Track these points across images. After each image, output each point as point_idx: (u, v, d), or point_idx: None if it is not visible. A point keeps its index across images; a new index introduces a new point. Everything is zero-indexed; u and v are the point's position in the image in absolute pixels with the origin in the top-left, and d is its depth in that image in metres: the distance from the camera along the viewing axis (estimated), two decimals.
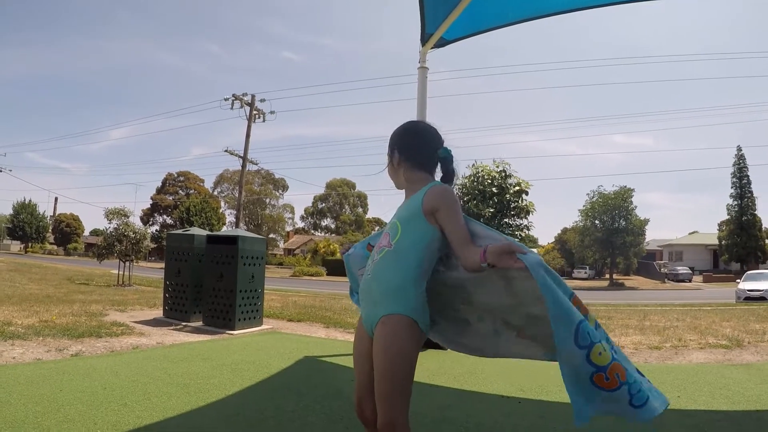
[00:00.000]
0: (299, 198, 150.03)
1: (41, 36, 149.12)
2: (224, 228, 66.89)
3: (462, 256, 2.22)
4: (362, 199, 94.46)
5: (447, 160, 2.49)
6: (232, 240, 8.92)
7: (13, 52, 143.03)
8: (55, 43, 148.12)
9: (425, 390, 5.11)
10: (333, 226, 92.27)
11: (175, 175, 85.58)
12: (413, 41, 6.90)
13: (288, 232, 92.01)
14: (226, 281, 8.75)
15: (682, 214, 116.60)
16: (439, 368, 6.17)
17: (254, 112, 37.32)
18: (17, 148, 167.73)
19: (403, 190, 2.57)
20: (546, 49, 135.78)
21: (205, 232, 9.90)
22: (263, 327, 9.18)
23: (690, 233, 77.44)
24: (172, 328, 8.84)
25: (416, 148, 2.52)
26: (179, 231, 10.38)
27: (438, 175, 2.52)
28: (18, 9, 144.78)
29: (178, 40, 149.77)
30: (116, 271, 21.91)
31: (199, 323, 9.11)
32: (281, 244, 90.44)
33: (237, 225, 38.12)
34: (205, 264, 9.25)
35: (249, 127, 37.18)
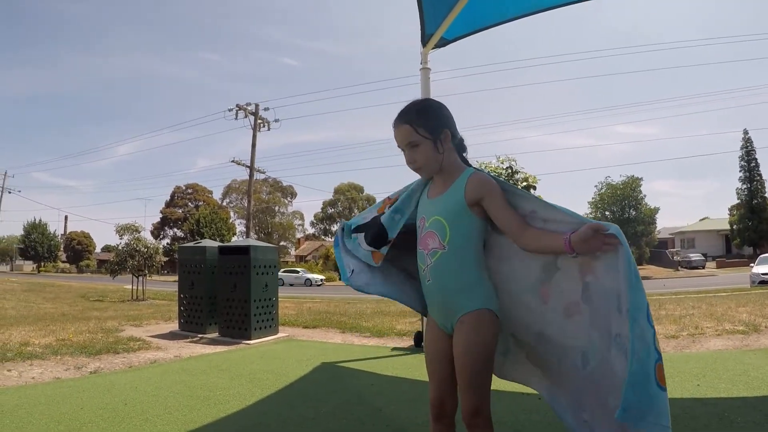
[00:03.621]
0: (308, 204, 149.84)
1: (42, 55, 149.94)
2: (234, 238, 66.97)
3: (523, 242, 2.21)
4: (371, 202, 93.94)
5: (462, 144, 2.42)
6: (244, 250, 8.95)
7: (16, 72, 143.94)
8: (56, 62, 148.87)
9: None
10: None
11: (184, 188, 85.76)
12: (414, 41, 6.88)
13: (299, 239, 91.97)
14: (240, 291, 8.77)
15: (692, 200, 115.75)
16: None
17: (259, 120, 37.36)
18: (25, 168, 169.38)
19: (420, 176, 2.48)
20: (546, 43, 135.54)
21: (216, 244, 9.95)
22: (279, 335, 9.19)
23: (701, 219, 77.00)
24: (188, 340, 8.88)
25: (455, 128, 2.39)
26: (191, 244, 10.43)
27: None
28: (18, 29, 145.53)
29: (179, 52, 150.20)
30: (130, 287, 22.01)
31: (215, 334, 9.13)
32: (292, 251, 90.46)
33: (247, 234, 38.15)
34: (218, 275, 9.30)
35: (254, 136, 37.23)
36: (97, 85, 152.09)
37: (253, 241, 9.30)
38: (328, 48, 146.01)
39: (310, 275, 49.22)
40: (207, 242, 10.17)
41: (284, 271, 48.59)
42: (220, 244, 9.92)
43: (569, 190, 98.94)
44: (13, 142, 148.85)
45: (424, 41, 6.74)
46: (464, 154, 2.43)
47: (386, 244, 2.57)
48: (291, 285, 44.90)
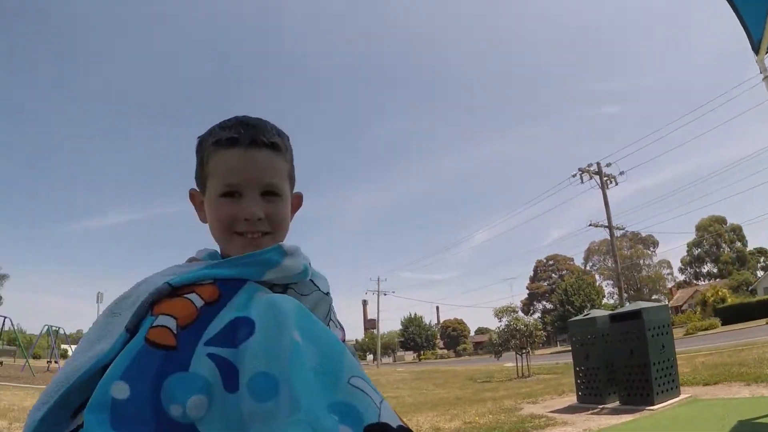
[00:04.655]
0: (673, 251, 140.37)
1: (381, 173, 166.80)
2: (604, 300, 65.95)
3: None
4: (737, 231, 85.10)
5: None
6: (635, 314, 8.94)
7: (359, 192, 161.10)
8: (395, 173, 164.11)
9: None
10: (715, 270, 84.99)
11: (545, 261, 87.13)
12: (732, 49, 6.51)
13: (670, 289, 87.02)
14: (637, 356, 8.68)
15: None
16: None
17: (604, 178, 36.75)
18: (394, 271, 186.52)
19: None
20: None
21: (606, 312, 10.16)
22: (681, 396, 8.85)
23: None
24: (590, 412, 8.93)
25: None
26: (580, 317, 10.71)
27: None
28: (356, 160, 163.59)
29: (507, 133, 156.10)
30: (511, 365, 22.74)
31: (616, 403, 9.09)
32: (666, 303, 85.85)
33: (620, 295, 37.25)
34: (612, 343, 9.36)
35: (605, 195, 36.61)
36: (440, 183, 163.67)
37: (643, 304, 9.29)
38: (642, 83, 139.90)
39: None
40: (596, 312, 10.44)
41: None
42: (610, 312, 10.04)
43: None
44: (380, 251, 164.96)
45: (756, 48, 6.36)
46: None
47: None
48: None
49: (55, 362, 35.00)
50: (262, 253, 1.11)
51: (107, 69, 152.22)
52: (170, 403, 0.88)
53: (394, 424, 0.91)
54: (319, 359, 0.93)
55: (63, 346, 48.27)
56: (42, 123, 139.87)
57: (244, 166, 1.14)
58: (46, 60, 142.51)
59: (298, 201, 1.33)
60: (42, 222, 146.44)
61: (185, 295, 1.02)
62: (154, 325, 0.96)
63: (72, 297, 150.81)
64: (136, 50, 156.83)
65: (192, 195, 1.28)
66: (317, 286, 1.22)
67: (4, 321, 33.18)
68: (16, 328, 36.11)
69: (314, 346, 0.95)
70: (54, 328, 36.80)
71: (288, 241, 1.21)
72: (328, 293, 1.25)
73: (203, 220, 1.26)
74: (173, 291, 1.03)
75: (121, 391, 0.87)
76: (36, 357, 47.19)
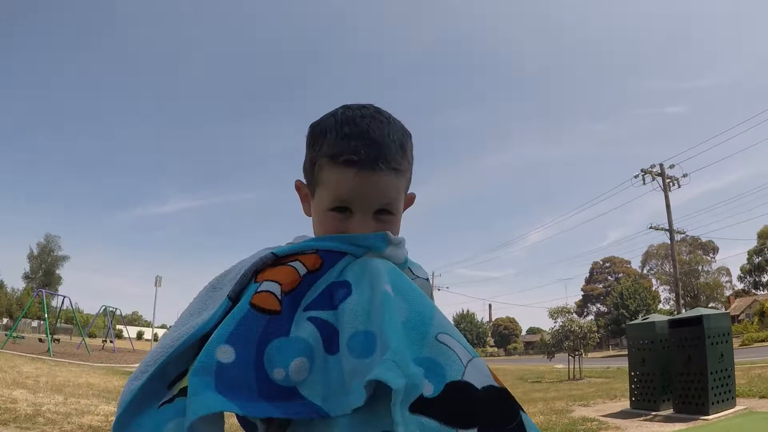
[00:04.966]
0: (732, 258, 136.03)
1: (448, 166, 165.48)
2: (660, 306, 64.74)
3: None
4: None
5: None
6: (696, 321, 8.84)
7: (420, 183, 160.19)
8: (454, 170, 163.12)
9: None
10: None
11: (601, 263, 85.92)
12: None
13: (728, 297, 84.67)
14: (695, 364, 8.59)
15: None
16: None
17: (667, 180, 35.81)
18: (449, 267, 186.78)
19: None
20: None
21: (665, 317, 10.06)
22: (737, 408, 8.72)
23: None
24: (642, 419, 8.86)
25: None
26: (638, 320, 10.62)
27: None
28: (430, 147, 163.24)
29: (564, 132, 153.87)
30: (561, 366, 22.51)
31: (669, 411, 9.00)
32: (727, 311, 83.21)
33: (677, 302, 36.39)
34: (669, 349, 9.24)
35: (666, 198, 35.58)
36: (498, 181, 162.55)
37: (704, 310, 9.18)
38: (708, 83, 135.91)
39: None
40: (655, 317, 10.34)
41: None
42: (669, 317, 9.92)
43: None
44: (436, 246, 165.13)
45: None
46: None
47: None
48: None
49: (111, 341, 35.97)
50: (367, 237, 1.09)
51: (174, 62, 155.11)
52: (273, 367, 0.91)
53: (480, 384, 0.92)
54: (408, 314, 0.96)
55: (118, 327, 49.57)
56: (107, 115, 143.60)
57: (360, 189, 1.08)
58: (109, 59, 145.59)
59: (410, 200, 1.27)
60: (103, 207, 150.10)
61: (289, 263, 1.05)
62: (259, 290, 0.98)
63: (130, 280, 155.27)
64: (199, 43, 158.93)
65: (298, 187, 1.26)
66: (416, 275, 1.22)
67: (63, 300, 34.44)
68: (74, 307, 37.27)
69: (405, 302, 0.97)
70: (111, 309, 37.77)
71: None
72: (427, 279, 1.26)
73: (307, 213, 1.24)
74: (277, 260, 1.06)
75: (226, 354, 0.90)
76: (92, 336, 48.60)
